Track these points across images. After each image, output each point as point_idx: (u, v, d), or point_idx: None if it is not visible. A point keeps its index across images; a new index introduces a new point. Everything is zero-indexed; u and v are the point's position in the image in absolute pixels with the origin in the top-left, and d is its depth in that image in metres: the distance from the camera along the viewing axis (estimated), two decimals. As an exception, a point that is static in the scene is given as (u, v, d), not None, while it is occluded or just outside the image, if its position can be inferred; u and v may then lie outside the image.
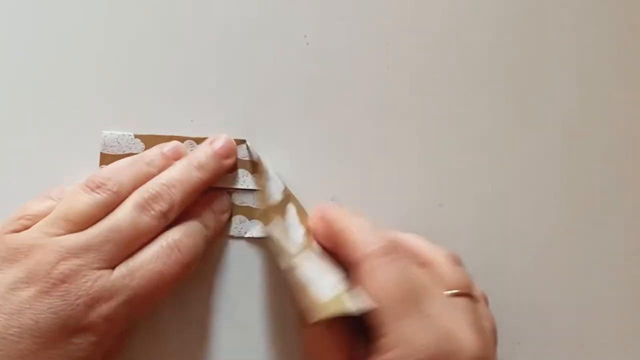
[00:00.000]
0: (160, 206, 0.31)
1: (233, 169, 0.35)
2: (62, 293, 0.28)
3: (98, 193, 0.30)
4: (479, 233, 0.37)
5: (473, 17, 0.38)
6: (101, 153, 0.35)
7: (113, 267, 0.29)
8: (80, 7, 0.37)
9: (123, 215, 0.30)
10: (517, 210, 0.37)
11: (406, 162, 0.37)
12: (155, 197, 0.31)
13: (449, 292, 0.31)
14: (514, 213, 0.37)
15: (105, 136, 0.35)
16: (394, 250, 0.30)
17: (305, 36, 0.37)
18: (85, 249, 0.29)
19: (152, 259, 0.30)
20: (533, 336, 0.36)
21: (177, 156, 0.34)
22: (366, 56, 0.38)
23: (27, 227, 0.30)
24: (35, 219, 0.30)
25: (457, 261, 0.33)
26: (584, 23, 0.39)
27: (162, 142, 0.35)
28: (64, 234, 0.29)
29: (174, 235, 0.31)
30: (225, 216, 0.35)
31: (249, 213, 0.35)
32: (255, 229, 0.35)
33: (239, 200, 0.35)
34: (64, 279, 0.28)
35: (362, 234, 0.31)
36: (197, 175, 0.32)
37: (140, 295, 0.29)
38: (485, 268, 0.36)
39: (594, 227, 0.37)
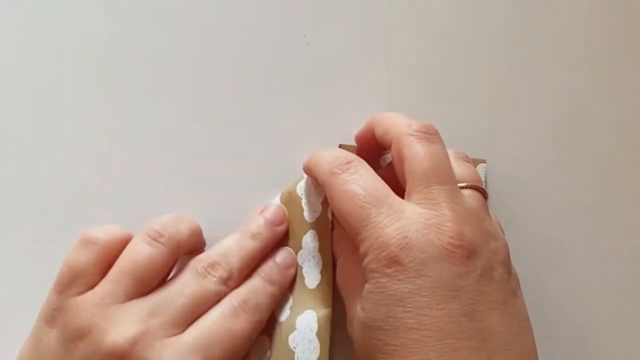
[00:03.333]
0: (219, 273, 0.31)
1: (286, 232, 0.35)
2: None
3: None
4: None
5: (474, 17, 0.38)
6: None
7: (182, 331, 0.30)
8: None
9: (184, 281, 0.31)
10: (517, 209, 0.37)
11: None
12: (212, 265, 0.31)
13: (460, 184, 0.31)
14: (514, 213, 0.37)
15: None
16: (432, 131, 0.31)
17: (305, 36, 0.37)
18: (152, 314, 0.30)
19: (218, 317, 0.30)
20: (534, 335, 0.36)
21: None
22: (366, 56, 0.38)
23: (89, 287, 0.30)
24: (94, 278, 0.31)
25: (464, 157, 0.34)
26: (584, 22, 0.39)
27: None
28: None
29: (238, 293, 0.32)
30: (292, 271, 0.34)
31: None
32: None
33: None
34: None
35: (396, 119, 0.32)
36: (252, 244, 0.33)
37: (215, 355, 0.29)
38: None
39: (595, 227, 0.37)
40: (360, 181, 0.29)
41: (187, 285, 0.31)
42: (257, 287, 0.32)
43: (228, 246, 0.32)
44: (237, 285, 0.32)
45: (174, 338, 0.29)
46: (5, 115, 0.36)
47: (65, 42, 0.36)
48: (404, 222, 0.28)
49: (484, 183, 0.36)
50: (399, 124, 0.31)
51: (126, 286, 0.30)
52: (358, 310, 0.29)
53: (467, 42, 0.38)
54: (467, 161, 0.34)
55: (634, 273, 0.37)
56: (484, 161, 0.36)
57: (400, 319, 0.27)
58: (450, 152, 0.32)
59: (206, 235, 0.34)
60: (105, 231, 0.31)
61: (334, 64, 0.37)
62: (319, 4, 0.38)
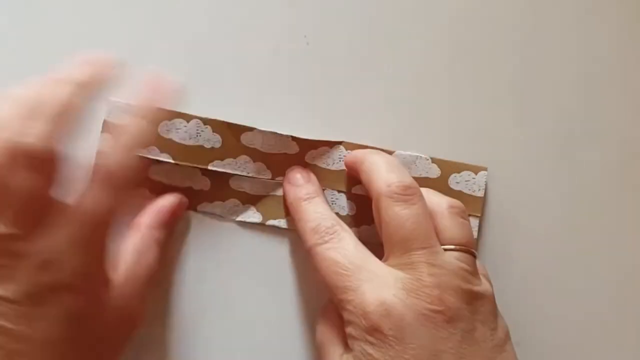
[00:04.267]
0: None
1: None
2: None
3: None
4: (479, 232, 0.37)
5: (474, 16, 0.38)
6: (105, 120, 0.35)
7: None
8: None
9: None
10: (517, 209, 0.37)
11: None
12: None
13: (446, 246, 0.30)
14: (515, 213, 0.37)
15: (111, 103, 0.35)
16: (410, 192, 0.30)
17: (305, 36, 0.37)
18: None
19: None
20: (533, 336, 0.36)
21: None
22: (366, 56, 0.38)
23: None
24: None
25: (460, 212, 0.32)
26: (584, 22, 0.39)
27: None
28: None
29: None
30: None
31: (244, 198, 0.35)
32: (246, 214, 0.35)
33: (236, 184, 0.35)
34: None
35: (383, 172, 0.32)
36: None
37: None
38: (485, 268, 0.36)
39: (595, 226, 0.37)
40: (341, 249, 0.30)
41: None
42: None
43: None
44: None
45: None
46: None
47: (65, 42, 0.37)
48: (382, 288, 0.28)
49: (483, 191, 0.36)
50: (379, 182, 0.31)
51: None
52: None
53: (470, 43, 0.38)
54: (463, 217, 0.32)
55: (635, 273, 0.37)
56: (485, 169, 0.36)
57: None
58: (445, 203, 0.32)
59: (204, 235, 0.35)
60: None
61: (334, 64, 0.37)
62: (319, 4, 0.38)
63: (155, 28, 0.37)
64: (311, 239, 0.31)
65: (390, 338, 0.27)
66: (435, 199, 0.32)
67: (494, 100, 0.38)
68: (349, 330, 0.28)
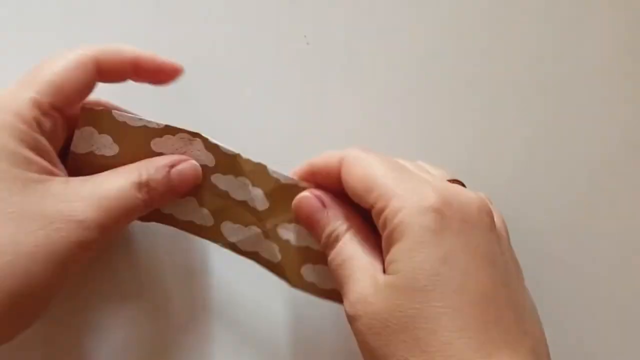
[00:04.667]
0: None
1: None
2: None
3: None
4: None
5: (474, 16, 0.38)
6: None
7: None
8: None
9: None
10: (517, 209, 0.37)
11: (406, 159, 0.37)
12: None
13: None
14: (514, 213, 0.37)
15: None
16: (366, 148, 0.30)
17: (305, 36, 0.37)
18: None
19: None
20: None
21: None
22: (366, 56, 0.38)
23: None
24: None
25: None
26: (585, 22, 0.39)
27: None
28: None
29: None
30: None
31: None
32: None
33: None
34: None
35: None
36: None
37: None
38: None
39: (595, 226, 0.37)
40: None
41: None
42: None
43: None
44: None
45: None
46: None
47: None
48: (437, 183, 0.28)
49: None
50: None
51: None
52: (384, 277, 0.26)
53: (469, 43, 0.38)
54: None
55: (635, 272, 0.37)
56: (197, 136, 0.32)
57: (447, 278, 0.25)
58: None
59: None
60: None
61: (334, 64, 0.37)
62: (319, 4, 0.38)
63: (155, 28, 0.37)
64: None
65: (454, 225, 0.26)
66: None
67: (494, 100, 0.38)
68: (404, 216, 0.26)
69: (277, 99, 0.37)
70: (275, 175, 0.31)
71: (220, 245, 0.32)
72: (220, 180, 0.32)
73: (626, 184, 0.38)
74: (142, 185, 0.29)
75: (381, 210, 0.27)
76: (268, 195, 0.32)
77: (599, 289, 0.37)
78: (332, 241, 0.29)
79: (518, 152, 0.37)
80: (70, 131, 0.31)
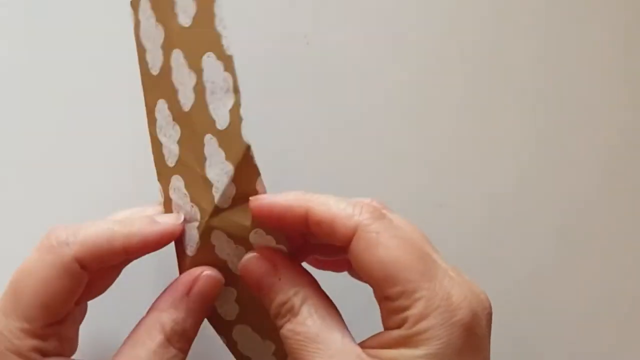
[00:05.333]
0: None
1: None
2: None
3: None
4: (479, 233, 0.37)
5: (474, 17, 0.38)
6: None
7: None
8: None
9: None
10: (517, 210, 0.37)
11: (406, 162, 0.37)
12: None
13: None
14: (515, 213, 0.37)
15: None
16: (381, 214, 0.26)
17: (305, 36, 0.37)
18: None
19: None
20: (533, 336, 0.36)
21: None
22: (366, 56, 0.38)
23: None
24: None
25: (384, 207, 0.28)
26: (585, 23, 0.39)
27: None
28: None
29: None
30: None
31: None
32: None
33: None
34: None
35: (333, 208, 0.26)
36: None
37: None
38: (485, 268, 0.36)
39: (596, 227, 0.37)
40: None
41: None
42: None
43: None
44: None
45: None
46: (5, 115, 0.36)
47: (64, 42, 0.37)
48: (460, 280, 0.25)
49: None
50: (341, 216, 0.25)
51: None
52: None
53: (469, 42, 0.38)
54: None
55: (635, 273, 0.37)
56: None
57: None
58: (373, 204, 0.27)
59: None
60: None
61: (334, 64, 0.37)
62: (319, 4, 0.38)
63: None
64: None
65: (482, 344, 0.25)
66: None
67: (494, 101, 0.38)
68: (429, 326, 0.24)
69: (276, 98, 0.37)
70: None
71: None
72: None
73: (627, 185, 0.38)
74: (171, 337, 0.26)
75: (402, 309, 0.24)
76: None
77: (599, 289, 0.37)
78: (285, 312, 0.26)
79: (517, 152, 0.37)
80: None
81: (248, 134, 0.36)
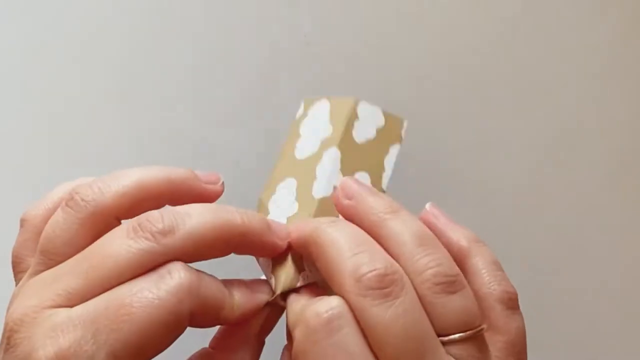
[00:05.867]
0: (153, 226, 0.22)
1: None
2: None
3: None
4: (479, 233, 0.37)
5: (474, 17, 0.38)
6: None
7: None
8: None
9: (102, 242, 0.23)
10: (517, 210, 0.37)
11: (406, 162, 0.37)
12: (148, 219, 0.22)
13: (448, 337, 0.22)
14: (515, 213, 0.37)
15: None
16: (389, 281, 0.22)
17: (305, 36, 0.37)
18: None
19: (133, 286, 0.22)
20: (533, 336, 0.36)
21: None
22: (366, 56, 0.38)
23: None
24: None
25: (448, 283, 0.23)
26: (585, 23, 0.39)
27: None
28: None
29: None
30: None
31: None
32: None
33: None
34: None
35: (340, 256, 0.22)
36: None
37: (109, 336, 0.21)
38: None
39: (595, 226, 0.37)
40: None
41: (103, 246, 0.22)
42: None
43: (191, 207, 0.23)
44: (184, 248, 0.22)
45: (61, 310, 0.21)
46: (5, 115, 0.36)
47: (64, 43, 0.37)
48: None
49: (402, 137, 0.29)
50: (343, 275, 0.22)
51: (37, 259, 0.24)
52: None
53: (468, 42, 0.38)
54: (454, 289, 0.23)
55: (635, 272, 0.37)
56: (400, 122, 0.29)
57: None
58: (427, 272, 0.22)
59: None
60: (35, 207, 0.26)
61: (334, 64, 0.37)
62: (319, 4, 0.38)
63: (155, 28, 0.37)
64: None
65: None
66: (411, 266, 0.23)
67: (494, 100, 0.38)
68: None
69: (277, 98, 0.37)
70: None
71: None
72: None
73: (627, 185, 0.38)
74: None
75: None
76: None
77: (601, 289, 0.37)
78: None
79: (517, 152, 0.37)
80: None
81: (248, 133, 0.36)
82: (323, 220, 0.24)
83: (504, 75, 0.38)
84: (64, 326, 0.21)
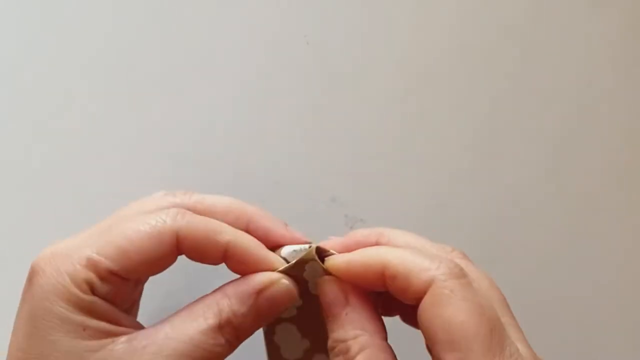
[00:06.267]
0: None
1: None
2: None
3: None
4: (479, 233, 0.37)
5: (474, 17, 0.38)
6: None
7: None
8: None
9: None
10: (517, 209, 0.37)
11: (406, 162, 0.37)
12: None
13: None
14: (514, 213, 0.37)
15: None
16: (461, 272, 0.24)
17: (305, 36, 0.37)
18: None
19: None
20: (533, 335, 0.36)
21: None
22: (366, 56, 0.38)
23: None
24: None
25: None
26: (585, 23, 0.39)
27: None
28: None
29: None
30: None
31: None
32: None
33: None
34: None
35: (410, 261, 0.25)
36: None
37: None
38: (485, 267, 0.36)
39: (595, 226, 0.37)
40: None
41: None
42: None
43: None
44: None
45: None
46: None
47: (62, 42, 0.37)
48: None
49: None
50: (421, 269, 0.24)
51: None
52: None
53: (468, 42, 0.38)
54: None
55: (635, 272, 0.37)
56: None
57: None
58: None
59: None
60: None
61: (334, 64, 0.37)
62: (319, 4, 0.38)
63: (156, 29, 0.37)
64: None
65: None
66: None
67: (494, 100, 0.38)
68: None
69: (276, 98, 0.37)
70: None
71: None
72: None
73: (628, 186, 0.38)
74: (224, 326, 0.25)
75: None
76: None
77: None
78: (339, 352, 0.25)
79: (517, 152, 0.37)
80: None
81: (249, 133, 0.36)
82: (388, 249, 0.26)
83: (505, 75, 0.38)
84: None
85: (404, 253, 0.25)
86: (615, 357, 0.37)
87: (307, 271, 0.27)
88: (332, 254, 0.27)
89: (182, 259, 0.26)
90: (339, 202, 0.36)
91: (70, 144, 0.36)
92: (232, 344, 0.25)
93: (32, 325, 0.24)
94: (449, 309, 0.23)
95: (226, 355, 0.25)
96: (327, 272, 0.27)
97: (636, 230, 0.37)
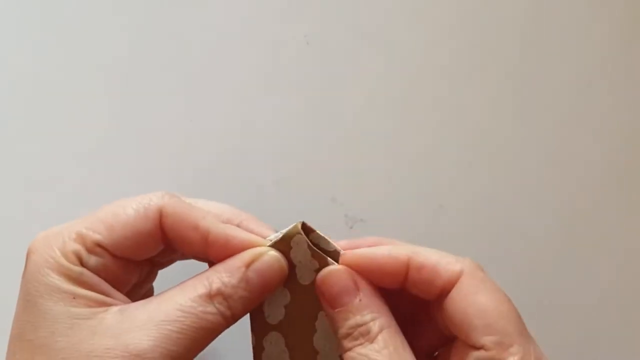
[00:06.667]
0: None
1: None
2: None
3: None
4: (479, 233, 0.37)
5: (473, 17, 0.38)
6: None
7: None
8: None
9: None
10: (517, 210, 0.37)
11: (406, 162, 0.37)
12: None
13: None
14: (514, 213, 0.37)
15: None
16: (481, 267, 0.27)
17: (305, 36, 0.37)
18: None
19: None
20: (533, 336, 0.36)
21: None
22: (366, 56, 0.38)
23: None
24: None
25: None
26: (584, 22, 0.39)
27: None
28: None
29: None
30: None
31: None
32: None
33: None
34: None
35: (435, 255, 0.26)
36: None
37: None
38: (485, 267, 0.36)
39: (595, 227, 0.37)
40: None
41: None
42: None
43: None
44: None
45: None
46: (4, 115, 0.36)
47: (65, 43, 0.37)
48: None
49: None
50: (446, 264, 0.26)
51: None
52: None
53: (470, 40, 0.38)
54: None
55: (635, 273, 0.37)
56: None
57: None
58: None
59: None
60: None
61: (334, 64, 0.37)
62: (319, 4, 0.38)
63: (156, 29, 0.37)
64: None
65: None
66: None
67: (494, 100, 0.38)
68: None
69: (276, 98, 0.37)
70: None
71: None
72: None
73: (628, 186, 0.38)
74: (214, 295, 0.25)
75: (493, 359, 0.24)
76: None
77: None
78: (359, 335, 0.25)
79: (517, 152, 0.37)
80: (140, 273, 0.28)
81: (249, 132, 0.36)
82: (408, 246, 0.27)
83: (504, 74, 0.38)
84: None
85: (427, 249, 0.27)
86: (615, 357, 0.37)
87: (294, 249, 0.27)
88: (327, 239, 0.27)
89: (186, 268, 0.27)
90: (339, 202, 0.36)
91: (70, 144, 0.36)
92: (226, 316, 0.25)
93: (26, 298, 0.25)
94: (483, 296, 0.25)
95: (222, 328, 0.25)
96: (315, 256, 0.27)
97: (636, 231, 0.37)
